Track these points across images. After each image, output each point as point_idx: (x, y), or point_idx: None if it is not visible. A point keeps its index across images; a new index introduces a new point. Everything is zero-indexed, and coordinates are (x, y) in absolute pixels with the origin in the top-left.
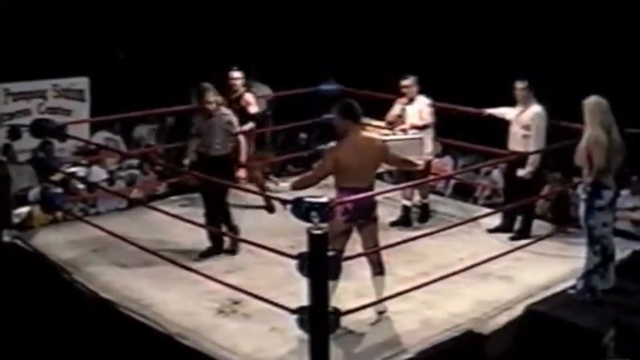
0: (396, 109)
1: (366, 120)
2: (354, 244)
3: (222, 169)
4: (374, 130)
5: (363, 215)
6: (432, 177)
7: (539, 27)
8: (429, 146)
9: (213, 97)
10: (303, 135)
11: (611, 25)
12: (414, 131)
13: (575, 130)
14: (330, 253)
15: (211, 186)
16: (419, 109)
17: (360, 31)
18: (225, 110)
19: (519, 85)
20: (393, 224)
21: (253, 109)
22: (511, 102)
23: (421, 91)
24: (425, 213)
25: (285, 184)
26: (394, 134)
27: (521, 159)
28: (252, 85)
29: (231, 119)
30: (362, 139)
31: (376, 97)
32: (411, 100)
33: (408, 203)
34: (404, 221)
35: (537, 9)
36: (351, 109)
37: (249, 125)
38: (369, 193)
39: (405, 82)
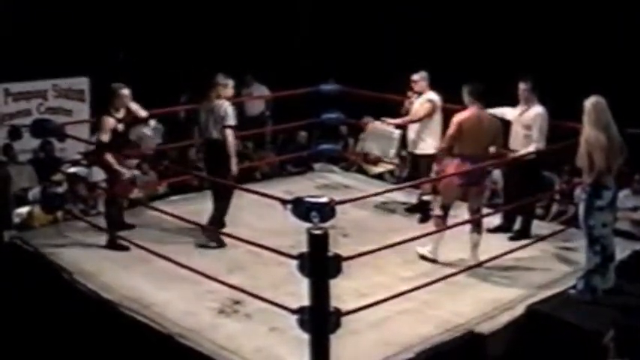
0: (406, 103)
1: (365, 119)
2: (357, 244)
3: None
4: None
5: (475, 181)
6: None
7: (540, 26)
8: (431, 142)
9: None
10: (303, 133)
11: (610, 26)
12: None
13: (575, 130)
14: (330, 254)
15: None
16: (420, 103)
17: (361, 30)
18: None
19: (522, 85)
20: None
21: (143, 112)
22: (512, 102)
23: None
24: (424, 210)
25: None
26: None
27: (525, 159)
28: (250, 85)
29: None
30: (484, 114)
31: (376, 96)
32: (419, 94)
33: (427, 198)
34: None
35: (539, 8)
36: (476, 88)
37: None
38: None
39: (413, 77)
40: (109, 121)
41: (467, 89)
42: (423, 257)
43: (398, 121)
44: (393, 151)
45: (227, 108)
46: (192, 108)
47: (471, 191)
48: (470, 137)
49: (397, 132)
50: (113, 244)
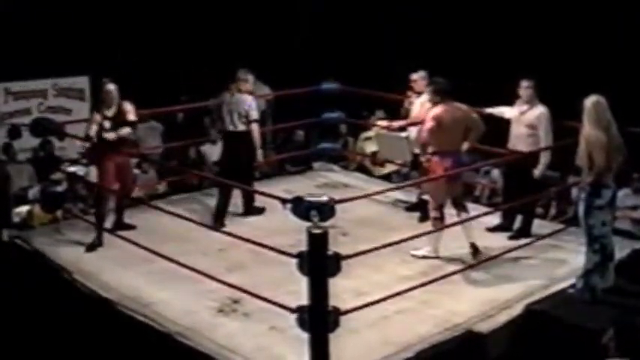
0: (405, 103)
1: (373, 119)
2: (356, 243)
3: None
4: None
5: (456, 175)
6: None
7: (540, 26)
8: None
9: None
10: (300, 132)
11: (610, 26)
12: (406, 132)
13: (575, 129)
14: (329, 253)
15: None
16: (421, 103)
17: (361, 30)
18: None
19: (525, 84)
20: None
21: (132, 116)
22: (509, 102)
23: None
24: (424, 209)
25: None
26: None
27: (526, 158)
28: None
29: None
30: (455, 107)
31: (376, 96)
32: (419, 94)
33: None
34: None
35: (538, 8)
36: (441, 86)
37: (126, 130)
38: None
39: (412, 76)
40: (94, 117)
41: (432, 89)
42: (423, 257)
43: (402, 123)
44: (409, 155)
45: (251, 102)
46: (192, 108)
47: (454, 186)
48: (446, 132)
49: (405, 134)
50: (93, 243)
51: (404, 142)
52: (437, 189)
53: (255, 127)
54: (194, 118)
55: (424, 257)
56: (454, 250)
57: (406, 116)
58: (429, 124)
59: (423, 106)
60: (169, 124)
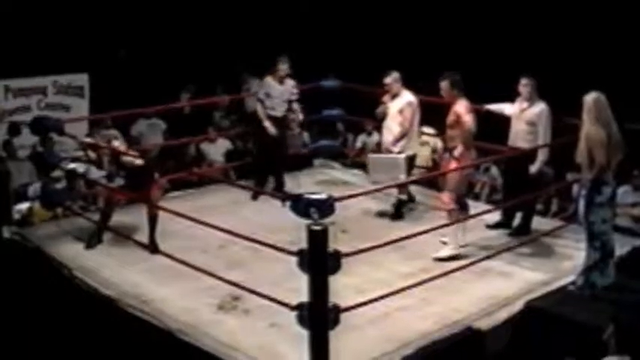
0: (381, 106)
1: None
2: (356, 240)
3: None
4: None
5: None
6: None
7: (540, 23)
8: (404, 143)
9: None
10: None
11: (610, 22)
12: (398, 147)
13: (574, 126)
14: (329, 250)
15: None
16: (399, 108)
17: (360, 27)
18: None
19: (524, 81)
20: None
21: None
22: (508, 98)
23: (416, 88)
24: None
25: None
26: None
27: (527, 155)
28: (246, 81)
29: None
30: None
31: (377, 93)
32: (394, 97)
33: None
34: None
35: (538, 6)
36: (459, 79)
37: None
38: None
39: (385, 80)
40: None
41: (449, 81)
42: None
43: (396, 143)
44: (403, 176)
45: (263, 83)
46: (193, 104)
47: None
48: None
49: (401, 157)
50: (92, 240)
51: (401, 161)
52: (463, 181)
53: (257, 104)
54: (201, 111)
55: (452, 258)
56: None
57: (382, 120)
58: (467, 116)
59: (404, 114)
60: (174, 119)
